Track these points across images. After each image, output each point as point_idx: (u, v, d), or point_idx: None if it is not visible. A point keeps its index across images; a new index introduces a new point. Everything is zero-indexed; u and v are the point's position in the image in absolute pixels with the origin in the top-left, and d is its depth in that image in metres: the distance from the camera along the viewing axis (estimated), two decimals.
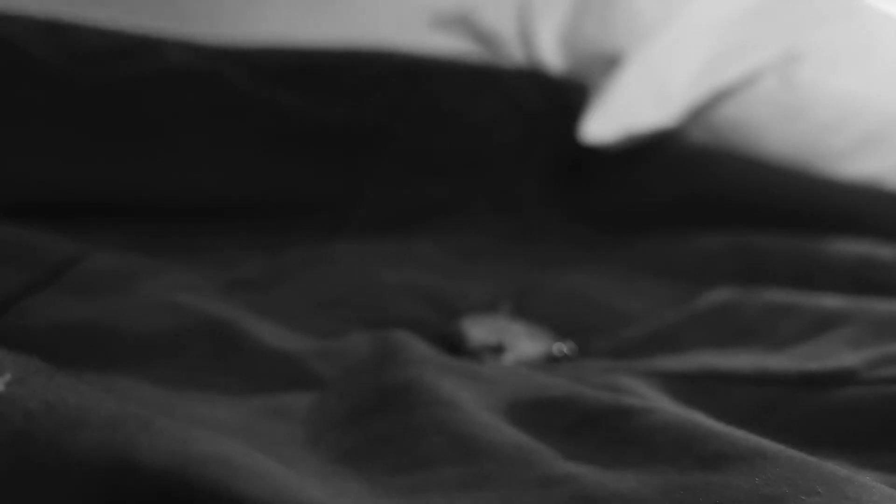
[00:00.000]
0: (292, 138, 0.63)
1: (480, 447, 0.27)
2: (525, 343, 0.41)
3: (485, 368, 0.34)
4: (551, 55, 0.80)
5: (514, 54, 0.73)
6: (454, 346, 0.40)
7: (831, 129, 0.69)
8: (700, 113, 0.71)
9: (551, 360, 0.40)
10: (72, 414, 0.19)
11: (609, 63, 0.75)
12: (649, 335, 0.44)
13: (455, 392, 0.30)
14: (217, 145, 0.62)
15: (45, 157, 0.58)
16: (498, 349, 0.40)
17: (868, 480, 0.26)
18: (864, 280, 0.49)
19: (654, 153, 0.70)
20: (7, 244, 0.41)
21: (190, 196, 0.60)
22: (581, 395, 0.31)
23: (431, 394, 0.30)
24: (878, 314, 0.40)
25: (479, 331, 0.41)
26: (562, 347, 0.41)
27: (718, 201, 0.65)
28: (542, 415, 0.30)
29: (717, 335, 0.43)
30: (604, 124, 0.69)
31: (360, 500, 0.25)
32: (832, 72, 0.69)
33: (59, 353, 0.32)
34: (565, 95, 0.68)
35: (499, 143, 0.63)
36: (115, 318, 0.36)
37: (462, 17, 0.72)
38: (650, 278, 0.55)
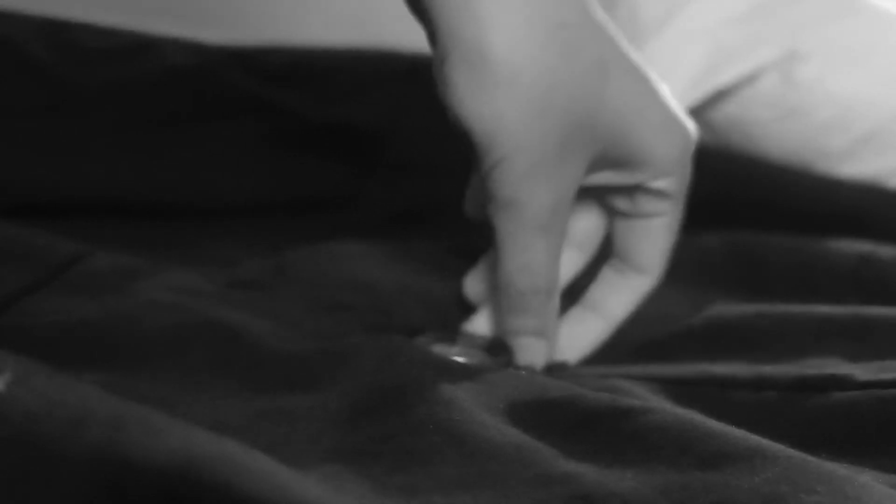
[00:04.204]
0: (292, 138, 0.63)
1: (480, 446, 0.27)
2: None
3: (485, 369, 0.34)
4: None
5: None
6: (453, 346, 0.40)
7: (831, 129, 0.69)
8: (700, 113, 0.71)
9: (551, 363, 0.40)
10: (73, 414, 0.19)
11: None
12: (647, 343, 0.44)
13: (454, 392, 0.30)
14: (217, 145, 0.62)
15: (45, 157, 0.58)
16: (498, 349, 0.40)
17: (868, 480, 0.26)
18: (865, 280, 0.49)
19: None
20: (7, 244, 0.41)
21: (190, 196, 0.60)
22: (581, 396, 0.31)
23: (431, 393, 0.30)
24: (876, 322, 0.40)
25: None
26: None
27: (718, 201, 0.65)
28: (541, 415, 0.31)
29: (714, 348, 0.42)
30: None
31: (360, 500, 0.25)
32: (832, 72, 0.69)
33: (59, 353, 0.32)
34: None
35: None
36: (115, 318, 0.36)
37: None
38: None
